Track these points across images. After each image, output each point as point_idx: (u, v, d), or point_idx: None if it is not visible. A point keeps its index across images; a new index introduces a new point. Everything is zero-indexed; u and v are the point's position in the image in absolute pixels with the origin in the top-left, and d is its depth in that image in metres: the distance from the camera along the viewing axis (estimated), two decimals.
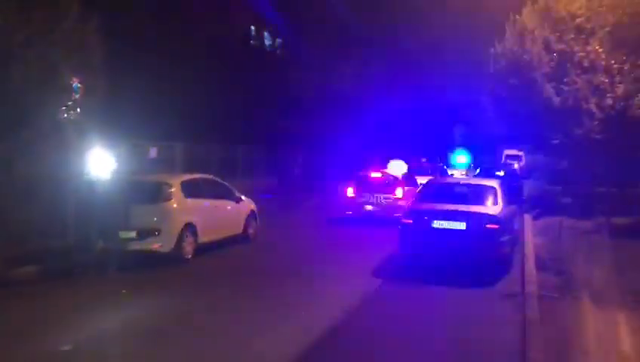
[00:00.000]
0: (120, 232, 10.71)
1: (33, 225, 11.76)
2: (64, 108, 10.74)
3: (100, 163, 11.04)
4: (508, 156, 38.43)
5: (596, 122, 15.10)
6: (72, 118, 11.00)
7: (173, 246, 10.74)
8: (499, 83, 19.87)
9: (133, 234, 10.65)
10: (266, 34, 36.98)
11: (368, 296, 8.79)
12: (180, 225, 10.90)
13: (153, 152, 19.73)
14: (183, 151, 21.58)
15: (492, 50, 20.47)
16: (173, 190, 11.19)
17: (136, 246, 10.70)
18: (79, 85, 10.90)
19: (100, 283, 9.59)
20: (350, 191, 16.75)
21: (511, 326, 7.05)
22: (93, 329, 7.09)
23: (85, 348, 6.42)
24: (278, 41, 37.70)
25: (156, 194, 11.04)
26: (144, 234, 10.63)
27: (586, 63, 15.15)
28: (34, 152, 10.70)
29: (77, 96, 10.92)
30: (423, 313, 8.00)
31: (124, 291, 8.94)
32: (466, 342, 6.64)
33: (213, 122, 24.10)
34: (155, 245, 10.63)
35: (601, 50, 14.71)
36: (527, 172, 32.60)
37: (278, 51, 37.38)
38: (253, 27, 35.50)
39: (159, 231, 10.63)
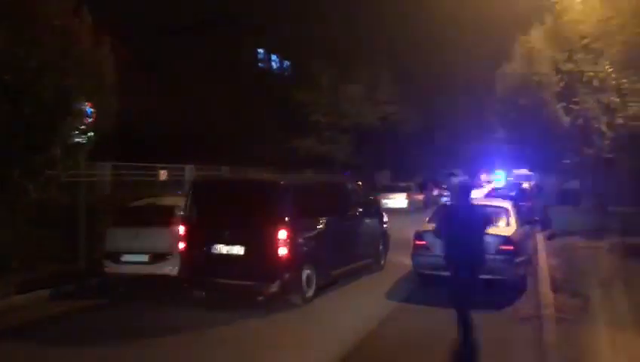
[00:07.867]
0: (129, 256, 10.74)
1: (44, 249, 11.82)
2: (76, 132, 10.80)
3: None
4: (518, 176, 38.30)
5: (607, 141, 15.00)
6: (84, 142, 11.06)
7: None
8: (507, 104, 19.87)
9: (145, 257, 10.67)
10: (273, 56, 37.41)
11: (379, 320, 8.68)
12: None
13: (163, 175, 19.80)
14: (192, 173, 21.64)
15: (499, 71, 20.53)
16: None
17: (147, 269, 10.74)
18: (92, 110, 10.97)
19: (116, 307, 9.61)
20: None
21: (528, 350, 6.93)
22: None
23: None
24: (286, 63, 38.09)
25: (167, 218, 11.01)
26: (157, 258, 10.63)
27: (595, 83, 15.07)
28: (46, 177, 10.73)
29: (90, 120, 10.99)
30: (437, 336, 7.86)
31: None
32: None
33: (222, 144, 24.21)
34: (166, 269, 10.63)
35: (611, 69, 14.63)
36: (538, 192, 32.40)
37: (285, 73, 37.73)
38: (261, 50, 35.92)
39: (170, 254, 10.61)
